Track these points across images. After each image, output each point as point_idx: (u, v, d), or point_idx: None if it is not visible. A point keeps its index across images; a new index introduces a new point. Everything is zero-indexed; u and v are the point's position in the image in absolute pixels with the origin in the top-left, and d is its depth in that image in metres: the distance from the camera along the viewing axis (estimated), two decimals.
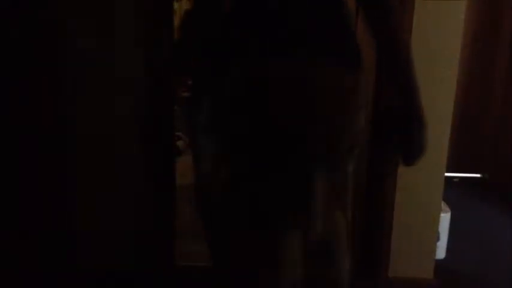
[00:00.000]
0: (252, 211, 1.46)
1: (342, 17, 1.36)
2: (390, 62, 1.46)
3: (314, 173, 1.36)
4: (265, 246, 1.44)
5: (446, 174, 2.03)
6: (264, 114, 1.35)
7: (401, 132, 1.45)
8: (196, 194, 1.92)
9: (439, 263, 2.18)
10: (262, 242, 1.44)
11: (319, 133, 1.34)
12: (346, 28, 1.37)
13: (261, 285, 1.45)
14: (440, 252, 2.38)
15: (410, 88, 1.47)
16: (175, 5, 4.00)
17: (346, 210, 1.48)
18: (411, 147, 1.43)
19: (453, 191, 2.72)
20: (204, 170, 1.82)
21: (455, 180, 3.54)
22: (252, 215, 1.47)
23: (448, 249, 2.42)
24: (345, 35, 1.36)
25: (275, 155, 1.37)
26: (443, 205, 2.33)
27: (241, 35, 1.40)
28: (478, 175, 3.67)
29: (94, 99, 1.95)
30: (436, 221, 2.07)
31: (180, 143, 3.51)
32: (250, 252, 1.47)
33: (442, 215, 2.21)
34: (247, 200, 1.47)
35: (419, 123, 1.41)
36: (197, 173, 2.02)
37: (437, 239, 2.22)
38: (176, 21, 4.12)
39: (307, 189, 1.38)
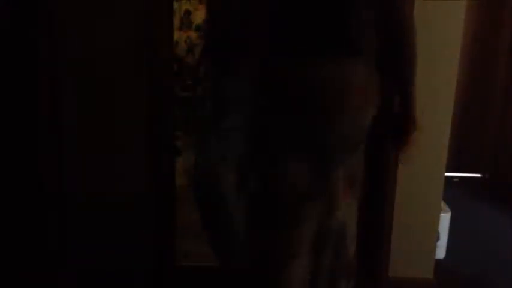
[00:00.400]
0: (272, 205, 1.51)
1: (353, 16, 1.37)
2: (395, 61, 1.50)
3: (333, 164, 1.43)
4: (284, 238, 1.50)
5: (446, 174, 2.03)
6: (277, 111, 1.39)
7: (396, 133, 1.55)
8: (197, 195, 1.93)
9: (439, 263, 2.18)
10: (282, 235, 1.51)
11: (333, 127, 1.38)
12: (358, 28, 1.37)
13: (280, 276, 1.51)
14: (440, 252, 2.38)
15: (409, 89, 1.52)
16: (175, 5, 4.01)
17: (356, 198, 1.54)
18: (402, 146, 1.55)
19: (453, 191, 2.72)
20: (209, 170, 1.85)
21: (455, 180, 3.54)
22: (270, 210, 1.54)
23: (448, 249, 2.42)
24: (356, 35, 1.37)
25: (295, 150, 1.41)
26: (443, 205, 2.33)
27: (250, 35, 1.42)
28: (478, 175, 3.68)
29: (94, 99, 1.95)
30: (436, 221, 2.07)
31: (180, 143, 3.51)
32: (271, 246, 1.53)
33: (442, 215, 2.21)
34: (271, 195, 1.52)
35: (414, 126, 1.54)
36: (200, 172, 2.03)
37: (437, 239, 2.22)
38: (176, 21, 4.13)
39: (327, 179, 1.43)
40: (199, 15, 4.13)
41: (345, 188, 1.48)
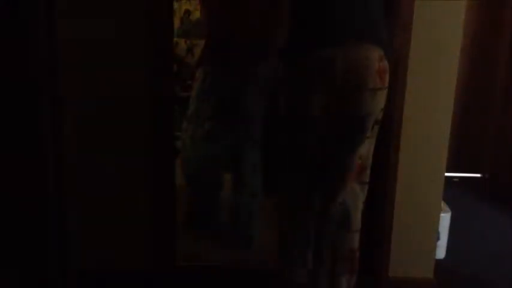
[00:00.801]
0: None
1: (368, 8, 1.46)
2: None
3: (349, 148, 1.51)
4: (283, 231, 1.59)
5: (446, 174, 2.03)
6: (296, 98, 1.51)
7: None
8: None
9: (439, 263, 2.18)
10: (282, 227, 1.61)
11: (352, 110, 1.47)
12: (374, 17, 1.49)
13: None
14: (440, 252, 2.38)
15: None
16: (175, 5, 4.00)
17: (364, 185, 1.57)
18: None
19: (453, 191, 2.72)
20: (206, 169, 1.91)
21: (455, 180, 3.54)
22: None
23: (448, 249, 2.42)
24: (371, 23, 1.48)
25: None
26: (443, 205, 2.33)
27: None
28: (478, 175, 3.68)
29: (94, 99, 1.95)
30: (436, 221, 2.07)
31: (180, 143, 3.52)
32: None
33: (442, 215, 2.21)
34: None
35: None
36: (196, 172, 2.04)
37: (437, 239, 2.22)
38: (176, 21, 4.13)
39: (342, 161, 1.49)
40: (199, 15, 4.13)
41: (352, 175, 1.52)
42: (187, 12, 4.21)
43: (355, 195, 1.56)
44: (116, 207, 2.02)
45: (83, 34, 1.90)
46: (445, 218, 2.36)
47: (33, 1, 1.85)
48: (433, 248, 2.10)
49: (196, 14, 4.16)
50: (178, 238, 2.13)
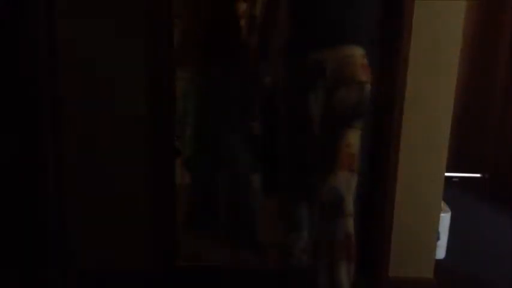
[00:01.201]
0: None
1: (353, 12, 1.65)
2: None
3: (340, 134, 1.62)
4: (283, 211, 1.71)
5: (446, 174, 2.03)
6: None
7: None
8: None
9: (439, 263, 2.18)
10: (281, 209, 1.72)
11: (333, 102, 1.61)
12: (357, 20, 1.66)
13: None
14: (440, 252, 2.38)
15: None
16: None
17: (353, 172, 1.66)
18: None
19: (453, 191, 2.72)
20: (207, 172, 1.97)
21: (455, 180, 3.54)
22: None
23: (448, 249, 2.42)
24: (356, 25, 1.66)
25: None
26: (443, 205, 2.33)
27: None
28: (478, 175, 3.68)
29: (94, 99, 1.95)
30: (436, 221, 2.07)
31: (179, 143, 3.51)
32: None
33: (442, 215, 2.21)
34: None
35: None
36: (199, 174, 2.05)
37: (437, 239, 2.22)
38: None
39: (333, 148, 1.62)
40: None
41: (342, 162, 1.58)
42: None
43: (346, 181, 1.62)
44: (116, 207, 2.02)
45: (83, 34, 1.90)
46: (445, 218, 2.36)
47: (33, 1, 1.85)
48: (433, 248, 2.10)
49: None
50: (178, 238, 2.13)
